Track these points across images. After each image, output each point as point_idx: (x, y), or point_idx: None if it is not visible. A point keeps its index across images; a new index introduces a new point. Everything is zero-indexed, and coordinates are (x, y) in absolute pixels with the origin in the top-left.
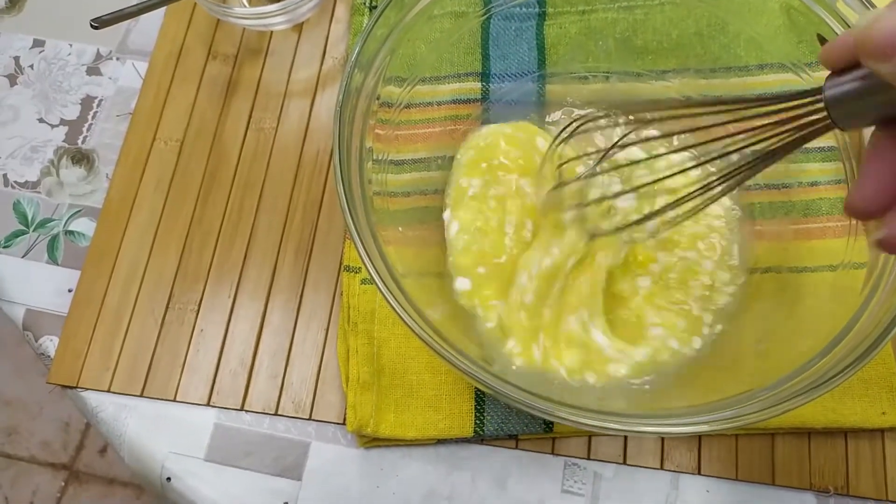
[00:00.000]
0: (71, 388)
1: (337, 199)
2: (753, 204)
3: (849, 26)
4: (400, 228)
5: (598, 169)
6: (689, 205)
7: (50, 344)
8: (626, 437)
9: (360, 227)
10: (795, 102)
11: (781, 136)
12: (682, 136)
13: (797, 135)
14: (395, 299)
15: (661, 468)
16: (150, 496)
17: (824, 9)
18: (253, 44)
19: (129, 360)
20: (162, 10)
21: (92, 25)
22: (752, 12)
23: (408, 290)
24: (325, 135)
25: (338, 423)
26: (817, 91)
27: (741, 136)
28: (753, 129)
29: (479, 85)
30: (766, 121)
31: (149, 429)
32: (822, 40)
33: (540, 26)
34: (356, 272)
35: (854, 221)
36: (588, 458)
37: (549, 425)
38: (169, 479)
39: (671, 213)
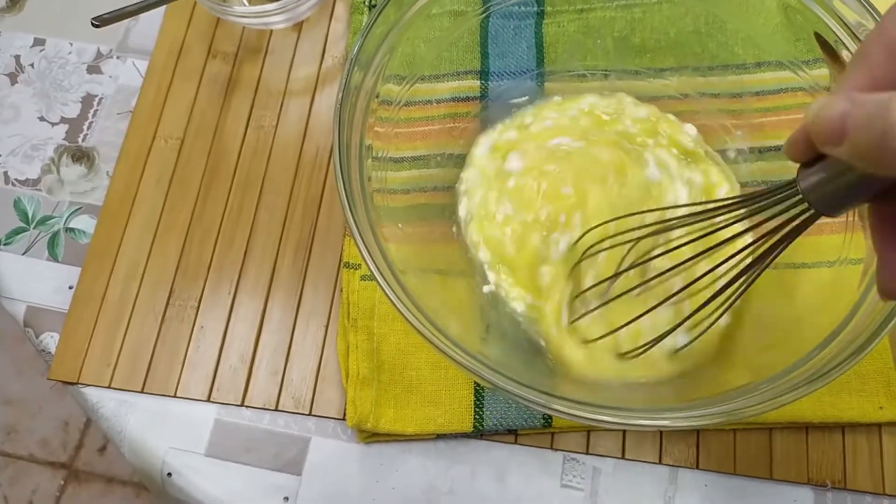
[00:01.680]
0: (72, 384)
1: (336, 196)
2: None
3: (845, 24)
4: (399, 225)
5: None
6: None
7: (51, 340)
8: (624, 432)
9: (360, 224)
10: (779, 202)
11: (776, 236)
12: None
13: (789, 228)
14: (396, 295)
15: (660, 462)
16: (151, 493)
17: (821, 7)
18: (253, 42)
19: (129, 357)
20: (162, 8)
21: (93, 24)
22: (750, 11)
23: (408, 286)
24: (324, 133)
25: (338, 419)
26: (793, 184)
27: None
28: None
29: (478, 83)
30: (760, 226)
31: (149, 425)
32: (820, 38)
33: (538, 25)
34: (356, 269)
35: (851, 218)
36: (587, 453)
37: (547, 420)
38: (170, 474)
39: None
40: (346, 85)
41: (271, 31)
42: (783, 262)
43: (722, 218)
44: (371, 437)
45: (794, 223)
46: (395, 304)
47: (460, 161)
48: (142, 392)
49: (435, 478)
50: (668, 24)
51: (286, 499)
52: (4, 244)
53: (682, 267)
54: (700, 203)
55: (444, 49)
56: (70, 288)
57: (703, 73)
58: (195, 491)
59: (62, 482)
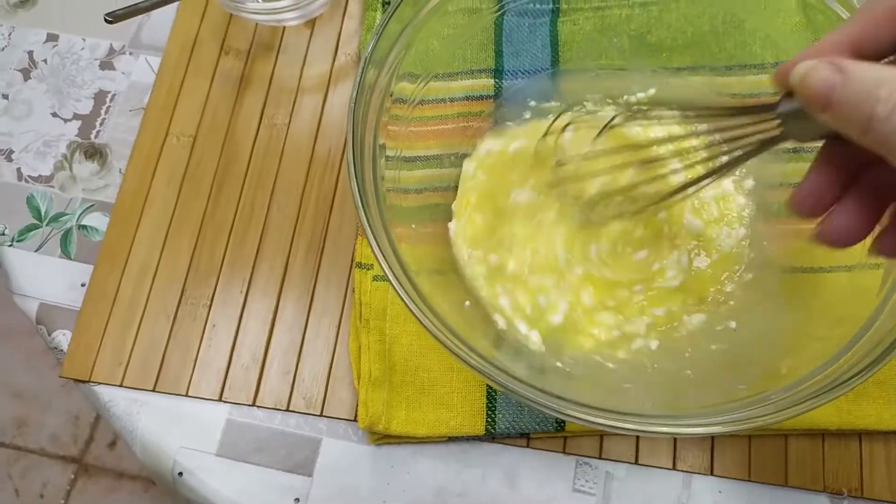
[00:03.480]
0: (83, 382)
1: (349, 195)
2: (769, 203)
3: None
4: (413, 225)
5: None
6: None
7: (63, 338)
8: (638, 437)
9: (374, 224)
10: (756, 117)
11: (747, 143)
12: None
13: (755, 140)
14: (409, 296)
15: (674, 468)
16: (161, 490)
17: (842, 6)
18: (265, 39)
19: (141, 355)
20: (175, 4)
21: (106, 20)
22: (769, 10)
23: (421, 287)
24: (337, 131)
25: (349, 420)
26: (773, 106)
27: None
28: (727, 136)
29: (491, 82)
30: (736, 129)
31: (161, 424)
32: None
33: (554, 23)
34: (368, 269)
35: None
36: (600, 458)
37: (560, 424)
38: (181, 473)
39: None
40: (360, 83)
41: (284, 27)
42: (800, 266)
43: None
44: (382, 438)
45: (761, 138)
46: (408, 306)
47: None
48: (153, 391)
49: (446, 481)
50: (685, 22)
51: (297, 500)
52: (17, 241)
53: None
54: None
55: (459, 47)
56: (82, 285)
57: (720, 72)
58: (206, 491)
59: (72, 476)
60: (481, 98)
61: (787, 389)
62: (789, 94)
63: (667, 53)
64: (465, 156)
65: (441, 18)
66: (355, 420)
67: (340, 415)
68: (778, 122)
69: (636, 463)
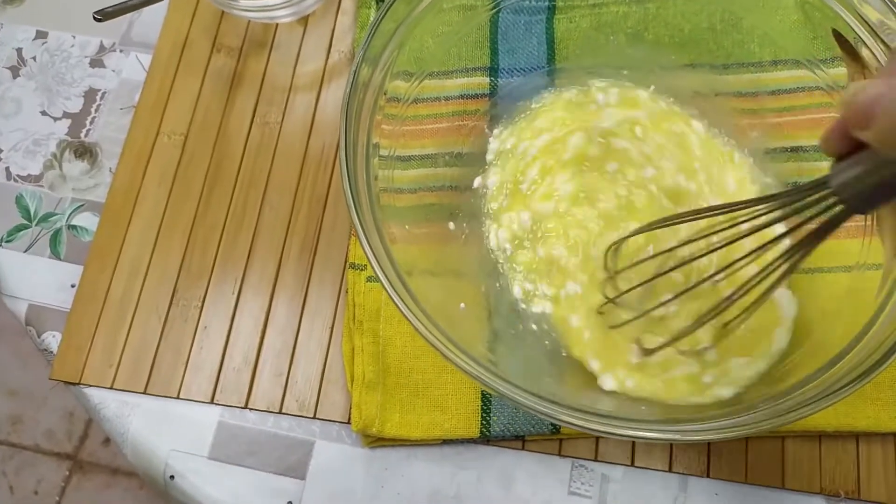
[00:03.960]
0: (74, 384)
1: (343, 195)
2: None
3: (866, 22)
4: (406, 226)
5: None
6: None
7: (52, 340)
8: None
9: (366, 225)
10: (810, 198)
11: (805, 235)
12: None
13: (818, 226)
14: (401, 298)
15: (670, 471)
16: (153, 493)
17: (840, 3)
18: (258, 36)
19: (132, 357)
20: (166, 1)
21: (95, 17)
22: (767, 8)
23: (413, 288)
24: (330, 129)
25: (342, 423)
26: (824, 181)
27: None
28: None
29: (487, 80)
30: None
31: (152, 426)
32: (838, 35)
33: (550, 20)
34: (362, 269)
35: (869, 222)
36: (595, 460)
37: (556, 426)
38: (172, 477)
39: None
40: (353, 82)
41: (277, 24)
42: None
43: (756, 221)
44: (376, 441)
45: (824, 220)
46: (400, 308)
47: (469, 160)
48: (144, 393)
49: (440, 483)
50: (682, 20)
51: (290, 503)
52: (6, 241)
53: (716, 273)
54: (731, 205)
55: (454, 45)
56: (72, 286)
57: (718, 71)
58: (198, 494)
59: (67, 473)
60: (477, 96)
61: (784, 394)
62: (840, 159)
63: (664, 51)
64: (459, 155)
65: (436, 16)
66: (349, 422)
67: (334, 417)
68: (835, 198)
69: (632, 465)
